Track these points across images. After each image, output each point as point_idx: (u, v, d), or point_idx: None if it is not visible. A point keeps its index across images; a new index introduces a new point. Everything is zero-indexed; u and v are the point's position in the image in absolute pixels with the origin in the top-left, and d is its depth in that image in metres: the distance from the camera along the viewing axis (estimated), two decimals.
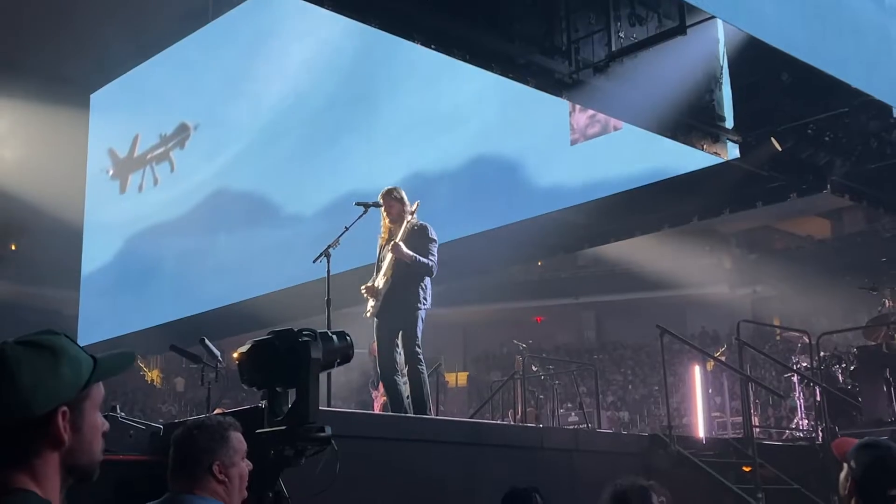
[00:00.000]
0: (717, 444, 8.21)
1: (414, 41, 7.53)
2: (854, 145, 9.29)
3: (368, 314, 6.75)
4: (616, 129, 11.52)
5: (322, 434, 2.31)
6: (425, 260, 6.58)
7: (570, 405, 17.05)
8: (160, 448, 3.80)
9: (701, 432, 10.82)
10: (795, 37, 7.11)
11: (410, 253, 6.54)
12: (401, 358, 6.58)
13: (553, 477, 6.01)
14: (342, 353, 2.47)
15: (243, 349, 2.43)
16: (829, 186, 9.90)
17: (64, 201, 22.19)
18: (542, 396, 13.67)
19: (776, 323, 22.74)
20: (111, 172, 21.35)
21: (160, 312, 18.17)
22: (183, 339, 10.33)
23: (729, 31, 8.43)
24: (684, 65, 8.20)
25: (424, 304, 6.62)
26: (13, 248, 29.46)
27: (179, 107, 19.30)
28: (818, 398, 8.88)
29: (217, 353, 6.98)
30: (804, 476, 7.49)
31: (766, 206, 11.60)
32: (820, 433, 8.54)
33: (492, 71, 7.91)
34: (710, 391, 13.79)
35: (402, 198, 6.75)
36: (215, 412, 5.16)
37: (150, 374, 30.50)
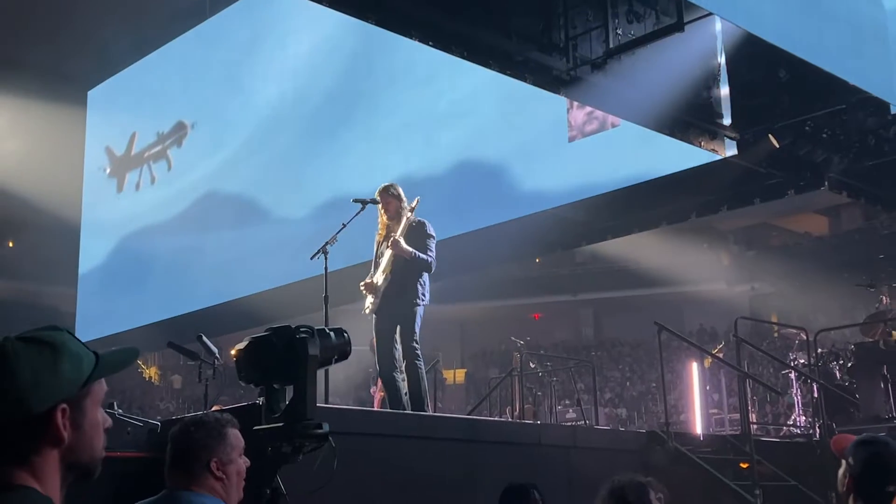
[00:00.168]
0: (714, 441, 8.21)
1: (412, 38, 7.52)
2: (852, 142, 9.30)
3: (367, 311, 6.76)
4: (614, 126, 11.51)
5: (319, 431, 2.31)
6: (424, 256, 6.60)
7: (567, 402, 17.06)
8: (157, 445, 3.80)
9: (698, 429, 10.84)
10: (793, 34, 7.12)
11: (410, 249, 6.55)
12: (399, 354, 6.59)
13: (551, 473, 6.01)
14: (340, 349, 2.46)
15: (241, 346, 2.42)
16: (826, 183, 9.91)
17: (61, 198, 22.15)
18: (539, 393, 13.71)
19: (774, 320, 22.80)
20: (108, 170, 21.31)
21: (158, 309, 18.16)
22: (181, 336, 10.31)
23: (727, 28, 8.42)
24: (682, 62, 8.19)
25: (423, 300, 6.64)
26: (10, 244, 29.44)
27: (176, 105, 19.28)
28: (815, 395, 8.89)
29: (215, 349, 6.99)
30: (801, 472, 7.50)
31: (764, 203, 11.60)
32: (817, 430, 8.55)
33: (489, 67, 7.91)
34: (707, 388, 13.79)
35: (399, 194, 6.76)
36: (213, 409, 5.16)
37: (147, 371, 30.49)
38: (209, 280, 17.41)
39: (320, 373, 2.46)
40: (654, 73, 7.95)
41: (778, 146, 9.04)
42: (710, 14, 7.61)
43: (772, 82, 8.57)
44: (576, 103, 11.53)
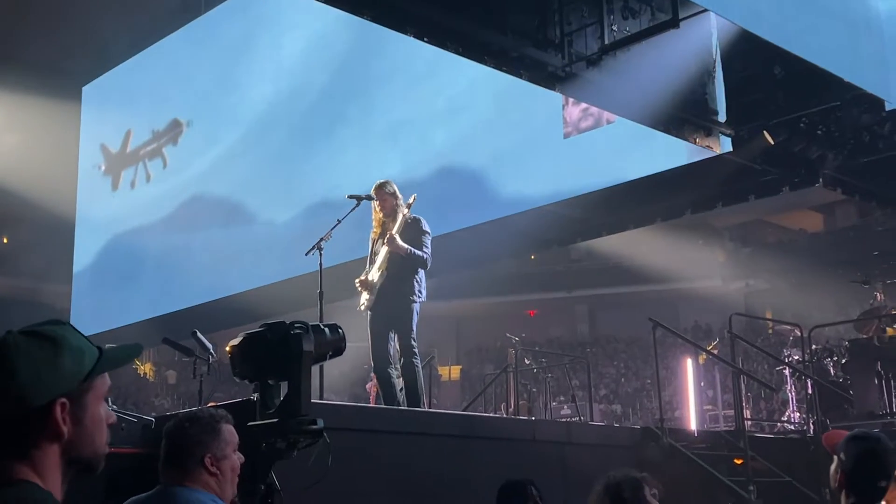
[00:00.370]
0: (709, 437, 8.23)
1: (407, 34, 7.52)
2: (846, 139, 9.31)
3: (362, 307, 6.76)
4: (609, 122, 11.50)
5: (314, 426, 2.31)
6: (420, 253, 6.61)
7: (562, 398, 17.06)
8: (152, 441, 3.80)
9: (693, 425, 10.84)
10: (788, 30, 7.13)
11: (406, 246, 6.56)
12: (395, 351, 6.60)
13: (545, 469, 6.01)
14: (334, 345, 2.46)
15: (235, 342, 2.42)
16: (821, 180, 9.93)
17: (56, 195, 22.07)
18: (534, 389, 13.71)
19: (769, 316, 22.85)
20: (103, 168, 21.24)
21: (152, 305, 18.13)
22: (176, 332, 10.28)
23: (722, 25, 8.43)
24: (677, 58, 8.20)
25: (419, 297, 6.65)
26: (5, 240, 29.35)
27: (171, 102, 19.22)
28: (810, 391, 8.91)
29: (209, 346, 6.98)
30: (795, 468, 7.52)
31: (759, 200, 11.61)
32: (811, 426, 8.57)
33: (485, 64, 7.91)
34: (702, 384, 13.79)
35: (394, 191, 6.77)
36: (208, 405, 5.15)
37: (142, 367, 30.42)
38: (204, 276, 17.37)
39: (315, 369, 2.46)
40: (649, 69, 7.96)
41: (773, 143, 9.06)
42: (705, 10, 7.60)
43: (767, 79, 8.58)
44: (571, 100, 11.53)
